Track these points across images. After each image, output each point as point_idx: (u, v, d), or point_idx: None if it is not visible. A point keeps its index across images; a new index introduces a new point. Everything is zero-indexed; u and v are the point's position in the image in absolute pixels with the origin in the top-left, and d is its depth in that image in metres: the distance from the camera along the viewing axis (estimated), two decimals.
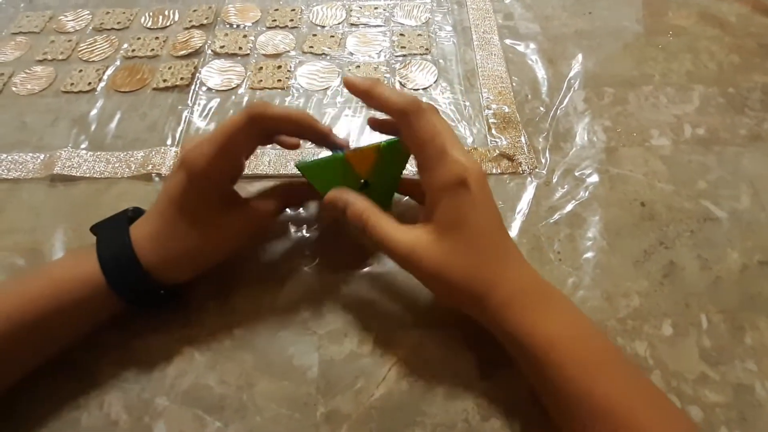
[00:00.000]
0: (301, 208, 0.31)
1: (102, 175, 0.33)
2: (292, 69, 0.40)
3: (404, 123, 0.23)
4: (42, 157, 0.34)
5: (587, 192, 0.32)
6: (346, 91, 0.38)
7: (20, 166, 0.34)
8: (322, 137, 0.26)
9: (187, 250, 0.24)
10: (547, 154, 0.34)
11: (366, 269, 0.29)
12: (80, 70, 0.40)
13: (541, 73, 0.39)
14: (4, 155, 0.34)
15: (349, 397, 0.24)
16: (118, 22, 0.44)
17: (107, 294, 0.23)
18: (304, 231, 0.30)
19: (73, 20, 0.44)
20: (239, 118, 0.24)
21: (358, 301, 0.27)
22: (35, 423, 0.24)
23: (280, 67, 0.40)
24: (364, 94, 0.24)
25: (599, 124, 0.36)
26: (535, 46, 0.41)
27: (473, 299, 0.23)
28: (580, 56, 0.40)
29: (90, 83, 0.39)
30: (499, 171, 0.33)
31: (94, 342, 0.26)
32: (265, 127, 0.25)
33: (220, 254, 0.26)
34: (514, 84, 0.38)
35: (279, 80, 0.39)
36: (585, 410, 0.20)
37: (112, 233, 0.24)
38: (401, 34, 0.42)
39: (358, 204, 0.24)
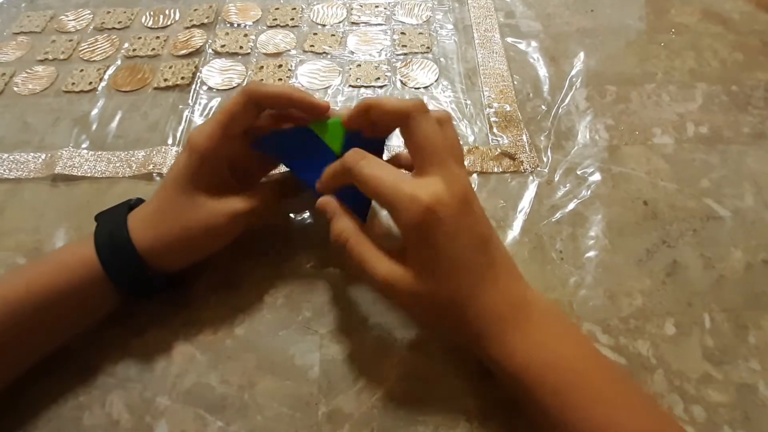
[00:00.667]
0: (305, 212, 0.31)
1: (103, 175, 0.33)
2: (293, 68, 0.40)
3: (403, 127, 0.23)
4: (43, 156, 0.34)
5: (589, 191, 0.32)
6: (347, 90, 0.38)
7: (22, 166, 0.34)
8: (319, 111, 0.25)
9: (179, 231, 0.24)
10: (549, 153, 0.34)
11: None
12: (81, 70, 0.40)
13: (542, 71, 0.39)
14: (6, 155, 0.34)
15: (350, 396, 0.24)
16: (119, 22, 0.44)
17: (104, 280, 0.23)
18: (305, 230, 0.30)
19: (74, 20, 0.44)
20: (237, 97, 0.25)
21: (360, 301, 0.27)
22: (37, 421, 0.24)
23: (280, 66, 0.40)
24: (364, 113, 0.24)
25: (601, 122, 0.36)
26: (537, 44, 0.41)
27: (452, 330, 0.23)
28: (582, 54, 0.40)
29: (91, 83, 0.39)
30: (500, 170, 0.33)
31: (95, 340, 0.26)
32: (262, 104, 0.25)
33: (211, 239, 0.26)
34: (515, 82, 0.38)
35: (280, 79, 0.39)
36: None
37: (110, 218, 0.25)
38: (402, 33, 0.42)
39: (341, 222, 0.23)
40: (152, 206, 0.25)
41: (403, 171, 0.24)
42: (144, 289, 0.25)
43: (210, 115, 0.37)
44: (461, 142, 0.34)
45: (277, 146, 0.27)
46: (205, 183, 0.25)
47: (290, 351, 0.26)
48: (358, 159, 0.23)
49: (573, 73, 0.39)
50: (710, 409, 0.24)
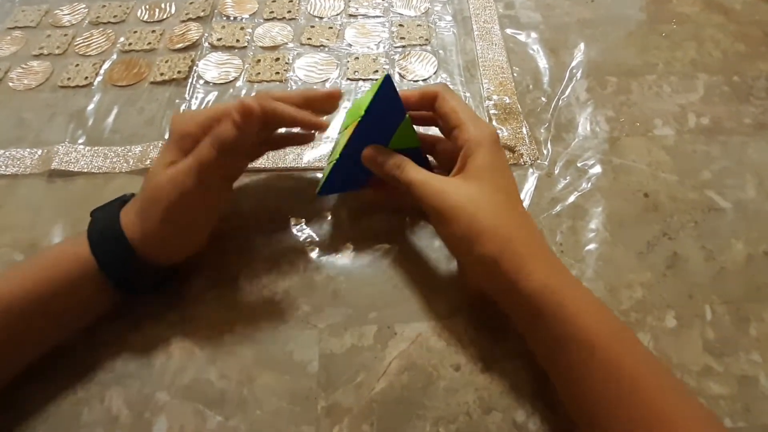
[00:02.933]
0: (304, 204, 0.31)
1: (100, 170, 0.33)
2: (290, 61, 0.39)
3: (440, 98, 0.27)
4: (39, 152, 0.34)
5: (590, 183, 0.32)
6: (345, 83, 0.38)
7: (18, 162, 0.33)
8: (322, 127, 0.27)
9: (166, 217, 0.24)
10: (549, 145, 0.34)
11: (366, 263, 0.29)
12: (77, 65, 0.39)
13: (542, 62, 0.39)
14: (2, 151, 0.34)
15: (350, 390, 0.24)
16: (115, 16, 0.43)
17: (99, 276, 0.23)
18: (303, 225, 0.30)
19: (69, 14, 0.44)
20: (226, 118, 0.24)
21: (359, 295, 0.27)
22: (37, 417, 0.24)
23: (278, 59, 0.39)
24: (419, 102, 0.28)
25: (602, 114, 0.35)
26: (537, 35, 0.40)
27: (497, 246, 0.22)
28: (582, 45, 0.40)
29: (87, 78, 0.38)
30: None
31: (93, 337, 0.26)
32: (269, 117, 0.25)
33: (196, 221, 0.25)
34: (515, 74, 0.38)
35: (277, 73, 0.38)
36: (581, 350, 0.20)
37: (103, 214, 0.25)
38: (400, 25, 0.42)
39: (395, 157, 0.26)
40: (139, 197, 0.25)
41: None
42: (139, 284, 0.25)
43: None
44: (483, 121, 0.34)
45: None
46: (180, 157, 0.24)
47: (289, 346, 0.26)
48: (446, 87, 0.28)
49: (573, 64, 0.38)
50: (711, 402, 0.24)
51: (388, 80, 0.26)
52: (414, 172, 0.25)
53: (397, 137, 0.27)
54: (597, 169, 0.32)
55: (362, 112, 0.26)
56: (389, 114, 0.26)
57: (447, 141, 0.27)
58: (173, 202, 0.24)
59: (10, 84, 0.38)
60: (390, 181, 0.26)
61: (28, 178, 0.33)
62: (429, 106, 0.27)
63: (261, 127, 0.24)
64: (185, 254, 0.26)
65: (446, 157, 0.28)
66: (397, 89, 0.26)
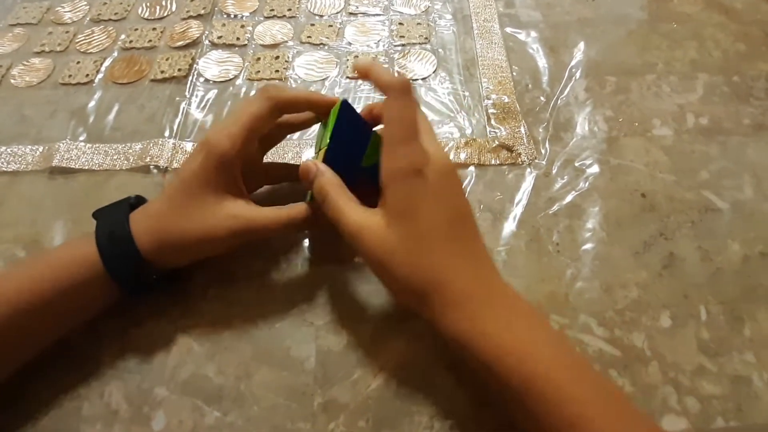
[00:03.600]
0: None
1: (101, 167, 0.33)
2: (290, 59, 0.39)
3: (386, 100, 0.24)
4: (41, 149, 0.34)
5: (587, 183, 0.32)
6: (344, 81, 0.38)
7: (19, 159, 0.34)
8: (331, 103, 0.26)
9: (178, 235, 0.24)
10: (547, 145, 0.34)
11: (363, 262, 0.29)
12: (78, 62, 0.40)
13: (542, 62, 0.39)
14: (4, 148, 0.34)
15: (346, 387, 0.25)
16: (116, 13, 0.43)
17: (105, 277, 0.24)
18: None
19: (70, 11, 0.44)
20: (260, 101, 0.25)
21: (356, 293, 0.28)
22: (37, 412, 0.24)
23: (277, 57, 0.39)
24: (364, 72, 0.25)
25: (600, 113, 0.35)
26: (537, 34, 0.40)
27: (416, 296, 0.22)
28: (582, 44, 0.40)
29: (88, 75, 0.39)
30: (498, 162, 0.33)
31: (94, 332, 0.26)
32: (284, 109, 0.26)
33: (208, 246, 0.25)
34: (514, 73, 0.38)
35: (277, 71, 0.39)
36: (553, 419, 0.19)
37: (111, 217, 0.25)
38: (400, 23, 0.42)
39: (325, 177, 0.24)
40: (157, 206, 0.25)
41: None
42: (144, 286, 0.25)
43: (207, 107, 0.37)
44: (459, 135, 0.34)
45: None
46: (215, 187, 0.24)
47: (286, 342, 0.26)
48: (402, 86, 0.23)
49: (573, 63, 0.38)
50: (704, 401, 0.24)
51: (345, 105, 0.25)
52: (335, 205, 0.23)
53: (368, 155, 0.26)
54: (595, 169, 0.32)
55: (327, 140, 0.25)
56: (355, 136, 0.26)
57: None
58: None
59: (12, 81, 0.39)
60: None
61: (30, 175, 0.33)
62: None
63: (278, 116, 0.25)
64: (194, 260, 0.26)
65: None
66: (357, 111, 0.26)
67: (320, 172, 0.24)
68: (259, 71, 0.39)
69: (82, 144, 0.34)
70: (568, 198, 0.31)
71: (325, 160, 0.25)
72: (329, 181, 0.24)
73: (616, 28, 0.41)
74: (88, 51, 0.41)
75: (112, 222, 0.24)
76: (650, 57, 0.39)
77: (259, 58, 0.39)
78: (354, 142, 0.26)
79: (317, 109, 0.27)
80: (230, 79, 0.38)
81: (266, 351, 0.26)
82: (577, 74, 0.38)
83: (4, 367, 0.23)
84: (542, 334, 0.22)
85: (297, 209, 0.26)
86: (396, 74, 0.27)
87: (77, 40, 0.41)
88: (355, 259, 0.29)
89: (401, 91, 0.23)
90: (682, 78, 0.37)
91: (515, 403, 0.20)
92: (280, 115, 0.26)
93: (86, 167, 0.33)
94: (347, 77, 0.38)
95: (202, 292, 0.28)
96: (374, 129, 0.26)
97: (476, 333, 0.21)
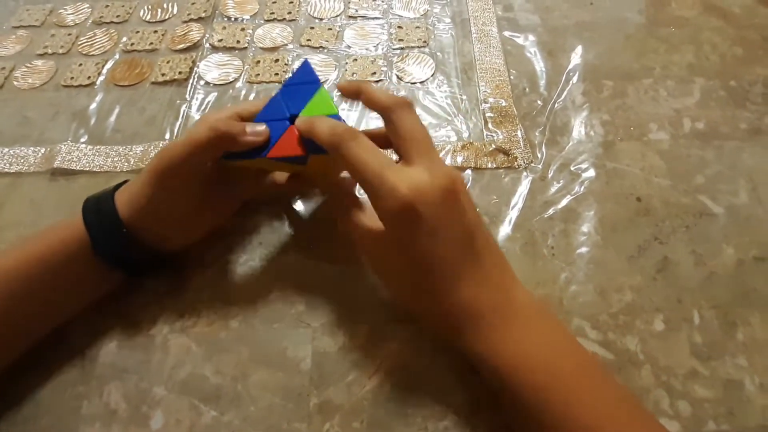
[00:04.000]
0: (300, 205, 0.32)
1: (101, 169, 0.34)
2: (290, 62, 0.40)
3: (387, 120, 0.24)
4: (43, 151, 0.35)
5: (583, 187, 0.32)
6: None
7: (21, 160, 0.34)
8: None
9: (149, 171, 0.25)
10: (544, 149, 0.34)
11: (360, 264, 0.29)
12: (80, 64, 0.40)
13: (539, 65, 0.39)
14: (6, 149, 0.35)
15: (341, 388, 0.25)
16: (117, 16, 0.44)
17: (92, 253, 0.24)
18: (300, 226, 0.31)
19: (72, 14, 0.44)
20: (204, 132, 0.24)
21: (352, 295, 0.28)
22: (38, 410, 0.25)
23: (277, 60, 0.40)
24: (354, 94, 0.25)
25: (597, 117, 0.36)
26: (535, 38, 0.41)
27: (428, 323, 0.23)
28: (579, 48, 0.40)
29: (89, 77, 0.39)
30: (494, 165, 0.33)
31: (93, 332, 0.26)
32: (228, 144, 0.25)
33: (154, 187, 0.25)
34: (512, 77, 0.38)
35: (276, 74, 0.39)
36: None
37: (99, 192, 0.26)
38: (399, 27, 0.42)
39: (346, 198, 0.25)
40: (136, 182, 0.25)
41: (391, 156, 0.24)
42: (131, 263, 0.26)
43: (207, 109, 0.37)
44: (456, 138, 0.35)
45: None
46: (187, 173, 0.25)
47: (283, 343, 0.26)
48: (348, 138, 0.22)
49: (570, 67, 0.39)
50: (696, 404, 0.24)
51: (306, 62, 0.27)
52: (354, 221, 0.24)
53: (311, 106, 0.26)
54: (590, 173, 0.33)
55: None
56: (304, 84, 0.27)
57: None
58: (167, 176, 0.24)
59: (15, 83, 0.39)
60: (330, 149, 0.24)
61: (32, 176, 0.34)
62: (367, 103, 0.25)
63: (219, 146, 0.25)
64: (176, 243, 0.27)
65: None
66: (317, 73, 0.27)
67: (322, 120, 0.24)
68: (258, 74, 0.39)
69: (84, 146, 0.35)
70: (564, 202, 0.31)
71: (270, 100, 0.26)
72: (344, 132, 0.23)
73: (614, 32, 0.41)
74: (90, 53, 0.41)
75: (98, 195, 0.26)
76: (648, 61, 0.39)
77: (258, 61, 0.40)
78: (302, 89, 0.27)
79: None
80: (230, 82, 0.39)
81: (263, 352, 0.26)
82: (575, 78, 0.38)
83: (7, 350, 0.24)
84: (555, 343, 0.22)
85: (223, 123, 0.24)
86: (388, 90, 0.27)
87: (79, 43, 0.42)
88: (358, 263, 0.29)
89: (407, 107, 0.23)
90: (679, 82, 0.37)
91: (526, 413, 0.20)
92: (221, 145, 0.25)
93: (87, 169, 0.33)
94: (346, 80, 0.38)
95: (199, 294, 0.28)
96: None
97: (488, 351, 0.21)
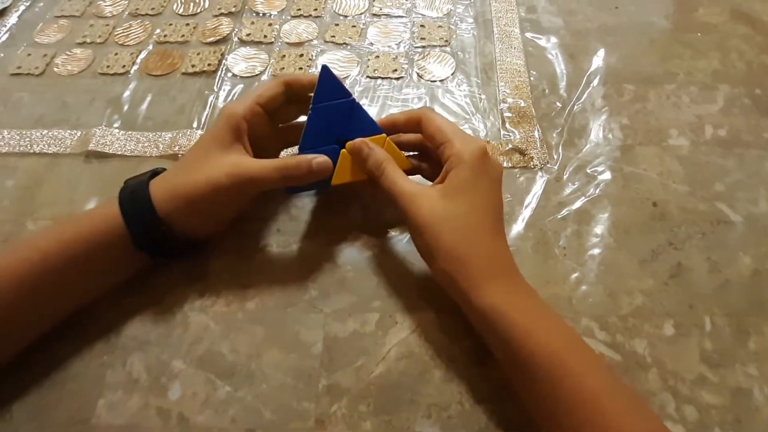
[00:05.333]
0: (317, 195, 0.33)
1: (132, 154, 0.35)
2: (314, 57, 0.41)
3: (424, 120, 0.28)
4: (79, 134, 0.37)
5: (598, 189, 0.32)
6: (364, 80, 0.39)
7: (59, 142, 0.36)
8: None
9: (186, 183, 0.26)
10: (560, 150, 0.34)
11: (373, 254, 0.30)
12: (116, 54, 0.42)
13: (560, 67, 0.39)
14: (46, 131, 0.37)
15: (349, 372, 0.26)
16: (152, 8, 0.46)
17: (127, 236, 0.26)
18: (316, 214, 0.32)
19: (110, 5, 0.46)
20: (272, 83, 0.28)
21: (363, 285, 0.29)
22: (66, 376, 0.26)
23: (302, 55, 0.41)
24: (391, 123, 0.29)
25: (616, 121, 0.35)
26: (557, 40, 0.41)
27: (457, 263, 0.24)
28: (602, 51, 0.40)
29: (124, 66, 0.41)
30: (510, 165, 0.33)
31: (119, 306, 0.28)
32: (293, 89, 0.29)
33: (213, 196, 0.26)
34: (532, 78, 0.38)
35: (300, 68, 0.40)
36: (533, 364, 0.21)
37: (135, 180, 0.27)
38: (422, 25, 0.43)
39: (380, 154, 0.27)
40: (172, 168, 0.28)
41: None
42: (163, 248, 0.27)
43: (233, 101, 0.38)
44: (473, 136, 0.35)
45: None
46: (222, 144, 0.27)
47: (296, 327, 0.27)
48: (431, 109, 0.29)
49: (591, 70, 0.39)
50: (702, 410, 0.24)
51: (325, 70, 0.28)
52: (392, 178, 0.26)
53: (354, 128, 0.28)
54: (606, 176, 0.33)
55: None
56: (336, 103, 0.28)
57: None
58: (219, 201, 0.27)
59: (55, 69, 0.41)
60: (370, 177, 0.28)
61: (68, 158, 0.36)
62: (414, 127, 0.28)
63: (287, 93, 0.29)
64: (206, 232, 0.29)
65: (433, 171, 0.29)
66: (342, 81, 0.29)
67: (372, 150, 0.27)
68: (283, 68, 0.40)
69: (117, 131, 0.36)
70: (578, 203, 0.32)
71: (307, 126, 0.28)
72: (385, 157, 0.27)
73: (638, 37, 0.41)
74: (126, 43, 0.43)
75: (134, 184, 0.27)
76: (671, 66, 0.38)
77: (284, 56, 0.41)
78: (336, 109, 0.28)
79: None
80: (256, 75, 0.40)
81: (277, 333, 0.27)
82: (595, 81, 0.38)
83: (37, 321, 0.26)
84: (552, 316, 0.23)
85: (291, 160, 0.27)
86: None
87: (116, 33, 0.44)
88: (371, 254, 0.30)
89: (432, 111, 0.28)
90: (703, 89, 0.37)
91: (535, 380, 0.21)
92: (289, 95, 0.29)
93: (119, 153, 0.35)
94: (367, 76, 0.39)
95: (219, 276, 0.29)
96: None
97: (510, 306, 0.22)
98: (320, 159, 0.27)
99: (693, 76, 0.38)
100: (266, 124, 0.29)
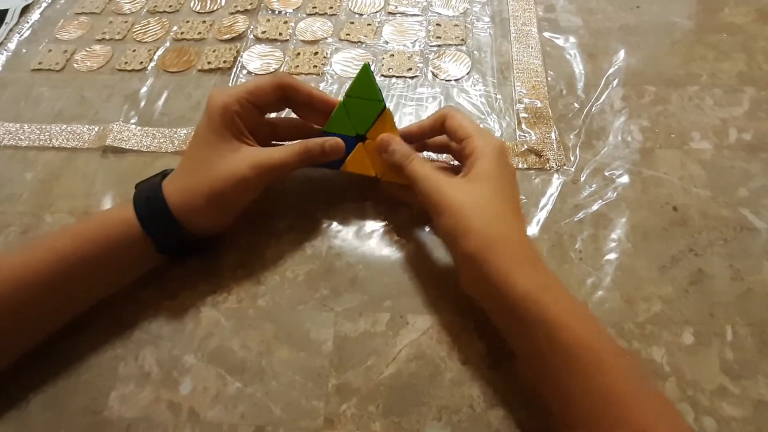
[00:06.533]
0: (330, 193, 0.33)
1: (148, 149, 0.36)
2: (328, 55, 0.41)
3: (448, 117, 0.28)
4: (96, 129, 0.37)
5: (616, 192, 0.31)
6: (379, 79, 0.39)
7: (77, 137, 0.37)
8: (331, 104, 0.30)
9: (204, 179, 0.26)
10: (578, 152, 0.33)
11: (385, 254, 0.30)
12: (134, 50, 0.43)
13: (578, 68, 0.38)
14: (65, 126, 0.37)
15: (360, 372, 0.26)
16: (170, 6, 0.46)
17: (141, 234, 0.26)
18: (328, 213, 0.32)
19: (129, 2, 0.47)
20: (267, 78, 0.28)
21: (375, 284, 0.29)
22: (80, 367, 0.26)
23: (316, 53, 0.41)
24: (432, 127, 0.29)
25: (636, 123, 0.35)
26: (576, 40, 0.40)
27: (489, 244, 0.23)
28: (622, 52, 0.39)
29: (142, 62, 0.42)
30: (525, 166, 0.33)
31: (132, 301, 0.28)
32: (287, 91, 0.29)
33: (235, 188, 0.27)
34: (549, 78, 0.38)
35: (315, 66, 0.40)
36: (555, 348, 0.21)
37: (147, 182, 0.28)
38: (437, 24, 0.42)
39: (407, 147, 0.28)
40: (180, 168, 0.28)
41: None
42: (176, 244, 0.27)
43: None
44: (492, 134, 0.35)
45: None
46: (225, 136, 0.27)
47: (306, 325, 0.27)
48: (453, 108, 0.29)
49: (611, 71, 0.38)
50: (722, 422, 0.24)
51: (366, 67, 0.28)
52: (419, 166, 0.27)
53: (377, 127, 0.29)
54: (625, 179, 0.32)
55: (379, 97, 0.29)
56: (367, 101, 0.29)
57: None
58: (235, 195, 0.27)
59: (75, 65, 0.42)
60: (396, 169, 0.28)
61: (86, 152, 0.36)
62: (440, 128, 0.29)
63: (280, 94, 0.29)
64: (222, 221, 0.29)
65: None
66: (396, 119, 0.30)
67: (400, 144, 0.28)
68: (298, 65, 0.40)
69: (133, 126, 0.37)
70: (595, 206, 0.31)
71: (335, 114, 0.29)
72: (411, 151, 0.28)
73: (659, 37, 0.40)
74: (144, 40, 0.43)
75: (147, 185, 0.27)
76: (694, 68, 0.37)
77: (299, 53, 0.41)
78: (364, 106, 0.29)
79: (316, 103, 0.29)
80: (271, 72, 0.40)
81: (287, 331, 0.27)
82: (615, 82, 0.37)
83: (53, 317, 0.26)
84: (575, 301, 0.23)
85: (308, 144, 0.28)
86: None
87: (134, 30, 0.44)
88: (383, 254, 0.30)
89: (454, 110, 0.28)
90: (728, 91, 0.36)
91: (570, 372, 0.21)
92: (282, 94, 0.29)
93: (135, 148, 0.36)
94: (382, 75, 0.39)
95: (231, 273, 0.29)
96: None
97: (543, 294, 0.22)
98: (332, 141, 0.29)
99: (717, 78, 0.37)
100: (254, 117, 0.29)
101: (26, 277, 0.24)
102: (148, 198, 0.26)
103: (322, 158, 0.29)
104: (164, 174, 0.28)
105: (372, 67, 0.39)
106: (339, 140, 0.29)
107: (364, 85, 0.29)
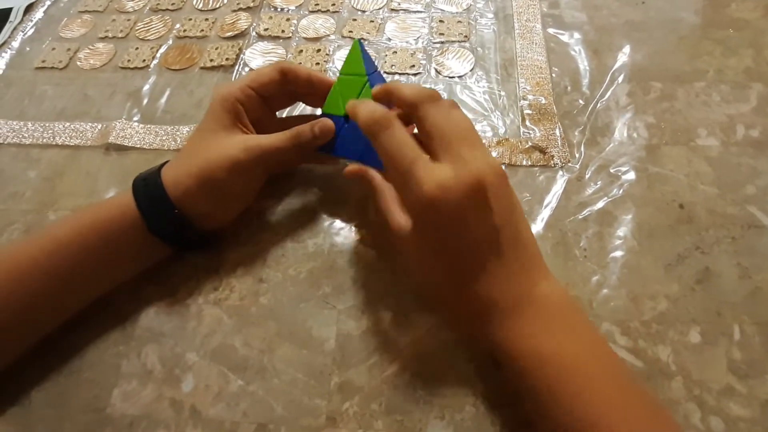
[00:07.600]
0: (332, 190, 0.32)
1: (151, 147, 0.36)
2: (331, 53, 0.41)
3: (413, 117, 0.24)
4: (99, 127, 0.37)
5: (621, 190, 0.31)
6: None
7: (80, 135, 0.37)
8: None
9: (200, 163, 0.26)
10: (582, 149, 0.33)
11: (388, 252, 0.29)
12: (136, 48, 0.43)
13: (583, 64, 0.38)
14: (68, 124, 0.37)
15: (362, 370, 0.25)
16: (172, 3, 0.46)
17: (141, 223, 0.26)
18: (332, 211, 0.32)
19: (132, 0, 0.47)
20: (268, 68, 0.29)
21: (378, 282, 0.28)
22: (82, 364, 0.27)
23: (319, 50, 0.41)
24: (387, 97, 0.25)
25: (642, 120, 0.34)
26: (580, 36, 0.40)
27: (447, 305, 0.24)
28: (627, 48, 0.38)
29: (144, 60, 0.41)
30: (529, 163, 0.33)
31: (135, 298, 0.28)
32: (289, 78, 0.29)
33: (230, 173, 0.26)
34: (553, 75, 0.37)
35: (317, 63, 0.40)
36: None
37: (147, 172, 0.28)
38: (440, 21, 0.42)
39: (376, 179, 0.27)
40: (179, 154, 0.28)
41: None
42: (173, 230, 0.27)
43: None
44: (491, 134, 0.34)
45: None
46: (224, 124, 0.27)
47: (309, 323, 0.27)
48: (383, 127, 0.23)
49: (616, 67, 0.37)
50: (729, 422, 0.23)
51: (357, 44, 0.28)
52: (392, 220, 0.24)
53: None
54: (630, 176, 0.32)
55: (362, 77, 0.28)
56: (353, 77, 0.29)
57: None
58: (221, 178, 0.27)
59: (78, 63, 0.42)
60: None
61: (88, 150, 0.36)
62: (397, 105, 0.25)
63: (281, 80, 0.29)
64: (219, 221, 0.29)
65: None
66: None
67: (372, 176, 0.27)
68: (300, 63, 0.40)
69: (136, 124, 0.37)
70: (600, 204, 0.31)
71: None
72: (380, 183, 0.26)
73: (666, 33, 0.39)
74: (146, 38, 0.43)
75: (146, 172, 0.28)
76: (701, 64, 0.37)
77: (301, 51, 0.41)
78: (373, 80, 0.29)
79: (317, 86, 0.29)
80: None
81: (289, 329, 0.27)
82: (620, 78, 0.37)
83: (56, 310, 0.26)
84: (576, 339, 0.22)
85: (299, 128, 0.28)
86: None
87: (137, 28, 0.44)
88: (386, 250, 0.30)
89: (432, 100, 0.23)
90: (735, 87, 0.35)
91: (536, 404, 0.20)
92: (284, 82, 0.29)
93: (138, 146, 0.36)
94: (384, 72, 0.39)
95: (233, 270, 0.29)
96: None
97: (507, 344, 0.22)
98: (321, 123, 0.28)
99: (724, 74, 0.36)
100: (259, 108, 0.29)
101: (28, 266, 0.24)
102: (145, 179, 0.27)
103: (314, 141, 0.28)
104: (167, 163, 0.28)
105: (375, 63, 0.39)
106: (328, 121, 0.28)
107: (353, 61, 0.28)
